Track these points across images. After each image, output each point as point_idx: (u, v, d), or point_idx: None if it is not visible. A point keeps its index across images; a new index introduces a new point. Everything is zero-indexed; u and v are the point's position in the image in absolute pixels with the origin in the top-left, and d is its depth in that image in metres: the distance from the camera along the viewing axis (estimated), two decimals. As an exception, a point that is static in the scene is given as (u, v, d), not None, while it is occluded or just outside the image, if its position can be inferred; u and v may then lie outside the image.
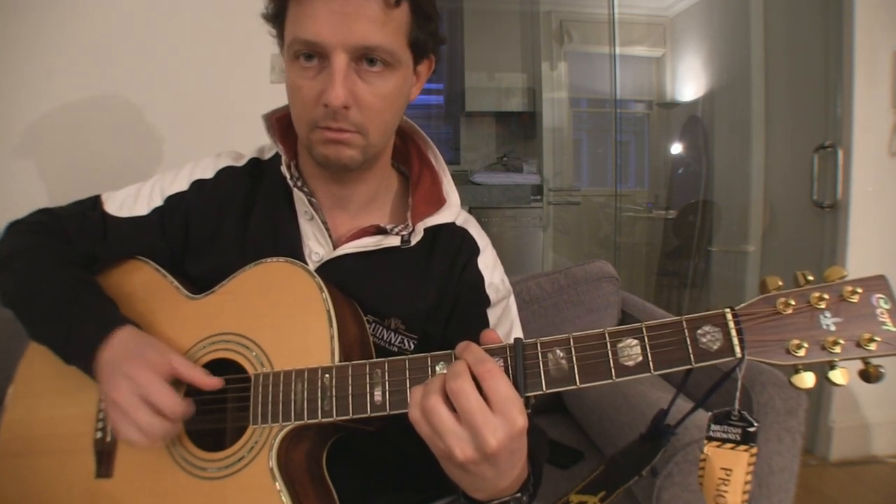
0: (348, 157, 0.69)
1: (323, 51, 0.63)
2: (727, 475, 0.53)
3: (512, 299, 0.82)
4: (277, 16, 0.67)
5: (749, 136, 2.60)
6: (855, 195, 1.95)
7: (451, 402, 0.51)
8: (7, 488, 0.72)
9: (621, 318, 1.51)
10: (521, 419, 0.50)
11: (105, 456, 0.69)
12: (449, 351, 0.58)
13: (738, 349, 0.51)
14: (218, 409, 0.70)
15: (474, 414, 0.50)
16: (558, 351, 0.55)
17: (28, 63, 1.50)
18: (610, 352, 0.53)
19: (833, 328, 0.50)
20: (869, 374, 0.49)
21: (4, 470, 0.73)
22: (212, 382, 0.65)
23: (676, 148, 3.59)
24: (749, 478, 0.52)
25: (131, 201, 0.80)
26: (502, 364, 0.55)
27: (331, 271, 0.72)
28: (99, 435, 0.70)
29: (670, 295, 3.37)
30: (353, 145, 0.68)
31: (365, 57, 0.64)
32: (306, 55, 0.65)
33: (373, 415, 0.59)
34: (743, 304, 0.52)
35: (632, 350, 0.53)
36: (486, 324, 0.77)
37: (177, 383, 0.65)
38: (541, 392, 0.55)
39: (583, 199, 3.50)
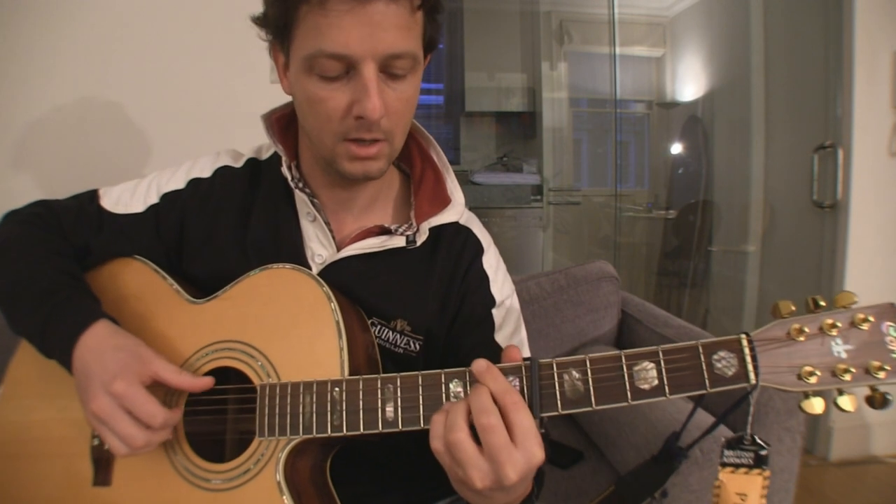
0: (376, 170, 0.68)
1: (351, 62, 0.61)
2: (742, 500, 0.54)
3: (515, 298, 0.82)
4: (285, 25, 0.64)
5: (749, 136, 2.60)
6: (855, 195, 1.95)
7: (476, 434, 0.51)
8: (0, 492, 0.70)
9: (621, 318, 1.52)
10: (539, 454, 0.51)
11: (103, 463, 0.67)
12: (463, 368, 0.57)
13: (752, 376, 0.52)
14: (223, 419, 0.69)
15: (500, 450, 0.50)
16: (574, 372, 0.55)
17: (28, 63, 1.50)
18: (626, 374, 0.53)
19: (844, 355, 0.51)
20: (874, 400, 0.50)
21: None
22: (201, 383, 0.63)
23: (676, 148, 3.58)
24: (764, 501, 0.53)
25: (127, 197, 0.78)
26: (517, 384, 0.55)
27: (334, 273, 0.71)
28: (96, 441, 0.68)
29: (670, 295, 3.36)
30: (379, 158, 0.67)
31: (390, 63, 0.62)
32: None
33: (384, 431, 0.58)
34: (758, 330, 0.53)
35: (648, 373, 0.53)
36: (491, 324, 0.77)
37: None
38: (556, 413, 0.54)
39: (583, 199, 3.49)
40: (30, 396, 0.72)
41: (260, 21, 0.67)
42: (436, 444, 0.53)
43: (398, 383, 0.59)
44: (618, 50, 3.29)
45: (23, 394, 0.72)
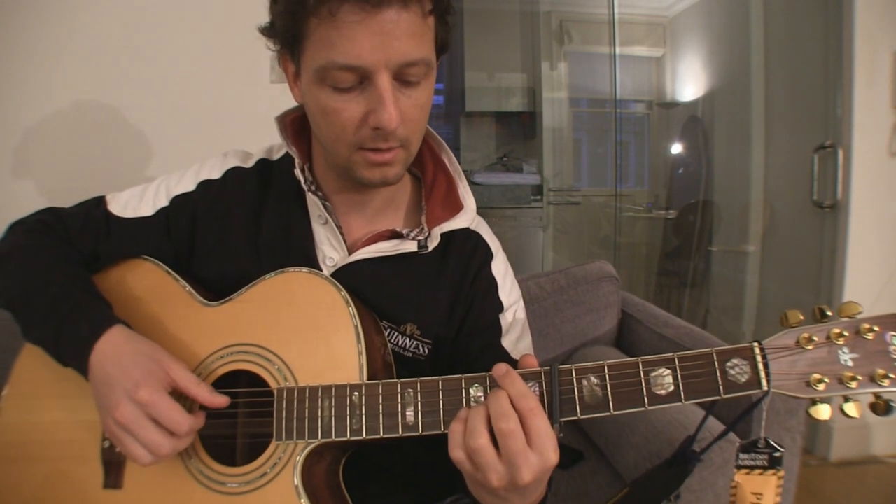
0: (393, 175, 0.68)
1: (364, 73, 0.60)
2: (758, 499, 0.57)
3: (522, 304, 0.82)
4: (294, 37, 0.62)
5: (749, 136, 2.60)
6: (855, 195, 1.95)
7: (495, 437, 0.52)
8: (2, 496, 0.69)
9: (621, 318, 1.51)
10: (553, 457, 0.52)
11: (114, 466, 0.67)
12: (483, 374, 0.58)
13: (764, 382, 0.54)
14: (237, 423, 0.69)
15: (517, 455, 0.51)
16: (593, 378, 0.56)
17: (28, 64, 1.50)
18: (643, 380, 0.55)
19: (850, 364, 0.53)
20: (878, 407, 0.53)
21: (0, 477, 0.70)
22: (217, 401, 0.62)
23: (676, 148, 3.58)
24: (779, 499, 0.57)
25: (136, 202, 0.78)
26: (537, 389, 0.56)
27: (345, 277, 0.71)
28: (107, 444, 0.68)
29: (670, 295, 3.36)
30: (396, 163, 0.67)
31: (404, 72, 0.62)
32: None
33: (404, 435, 0.59)
34: (769, 339, 0.55)
35: (664, 379, 0.55)
36: (498, 329, 0.77)
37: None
38: (575, 418, 0.56)
39: (583, 199, 3.49)
40: (36, 397, 0.71)
41: (267, 32, 0.67)
42: (456, 453, 0.54)
43: (418, 388, 0.59)
44: (618, 50, 3.29)
45: (29, 395, 0.72)
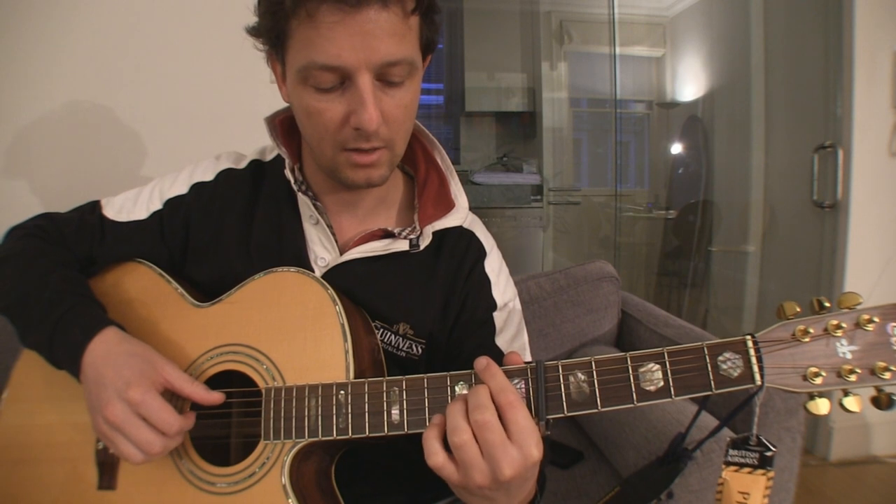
0: (378, 177, 0.67)
1: (345, 73, 0.60)
2: (745, 499, 0.54)
3: (517, 302, 0.82)
4: (277, 37, 0.63)
5: (749, 136, 2.60)
6: (855, 195, 1.95)
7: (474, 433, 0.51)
8: (3, 497, 0.69)
9: (621, 318, 1.52)
10: (535, 452, 0.51)
11: (108, 467, 0.68)
12: (468, 371, 0.57)
13: (758, 377, 0.52)
14: (227, 423, 0.69)
15: (495, 447, 0.50)
16: (580, 374, 0.55)
17: (27, 63, 1.50)
18: (631, 376, 0.54)
19: (849, 356, 0.51)
20: (880, 401, 0.51)
21: None
22: (213, 398, 0.62)
23: (676, 148, 3.58)
24: (766, 501, 0.54)
25: (130, 205, 0.79)
26: (523, 386, 0.55)
27: (337, 277, 0.71)
28: (101, 445, 0.68)
29: (670, 295, 3.36)
30: (381, 165, 0.66)
31: (386, 71, 0.61)
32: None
33: (390, 434, 0.58)
34: (763, 331, 0.53)
35: (653, 375, 0.53)
36: (492, 328, 0.77)
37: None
38: (562, 415, 0.55)
39: (583, 199, 3.49)
40: (34, 400, 0.72)
41: (254, 32, 0.66)
42: (433, 460, 0.53)
43: (403, 386, 0.58)
44: (618, 50, 3.29)
45: (27, 397, 0.72)
